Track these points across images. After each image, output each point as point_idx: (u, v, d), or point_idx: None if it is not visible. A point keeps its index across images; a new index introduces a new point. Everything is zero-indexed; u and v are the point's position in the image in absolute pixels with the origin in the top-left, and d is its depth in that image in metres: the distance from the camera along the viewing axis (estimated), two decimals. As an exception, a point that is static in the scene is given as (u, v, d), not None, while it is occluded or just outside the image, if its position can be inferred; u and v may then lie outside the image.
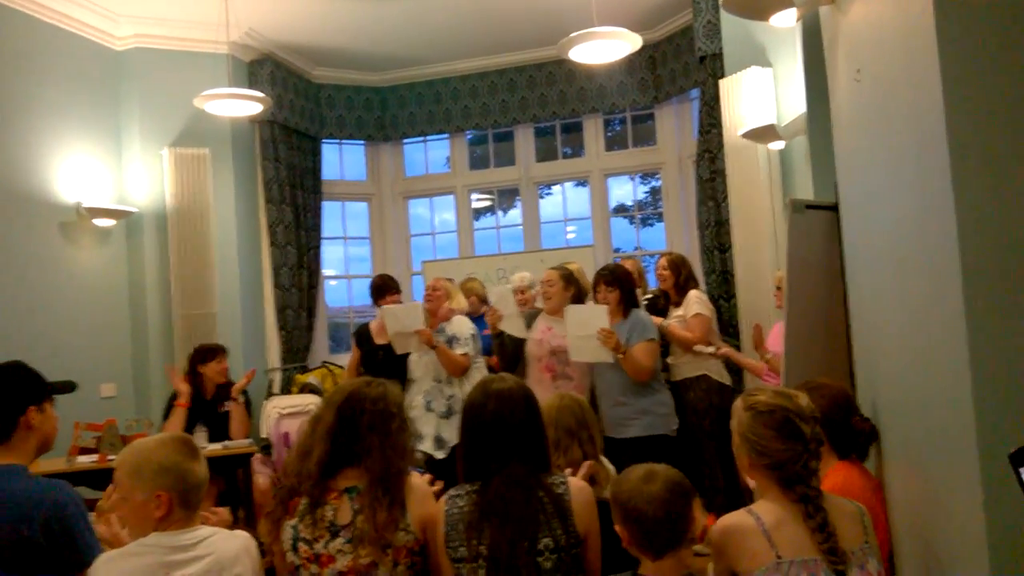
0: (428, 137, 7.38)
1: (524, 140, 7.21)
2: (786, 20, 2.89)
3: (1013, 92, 1.36)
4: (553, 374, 4.08)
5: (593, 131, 7.06)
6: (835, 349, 2.92)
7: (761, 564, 1.68)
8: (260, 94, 4.87)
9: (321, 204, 6.86)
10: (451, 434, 4.15)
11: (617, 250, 7.12)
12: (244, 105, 4.86)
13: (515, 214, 7.37)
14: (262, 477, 4.79)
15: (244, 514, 4.38)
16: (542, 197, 7.32)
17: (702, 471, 4.29)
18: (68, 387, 2.39)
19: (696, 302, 4.39)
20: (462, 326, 4.34)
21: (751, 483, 1.93)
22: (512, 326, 4.31)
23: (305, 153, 6.72)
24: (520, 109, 6.92)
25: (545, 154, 7.27)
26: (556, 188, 7.36)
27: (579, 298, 4.28)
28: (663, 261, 4.62)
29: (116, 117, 5.63)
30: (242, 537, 1.90)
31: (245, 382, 4.65)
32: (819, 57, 2.86)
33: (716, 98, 5.18)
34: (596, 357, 3.88)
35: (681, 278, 4.53)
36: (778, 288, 4.25)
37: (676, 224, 6.75)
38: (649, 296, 4.97)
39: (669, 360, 4.47)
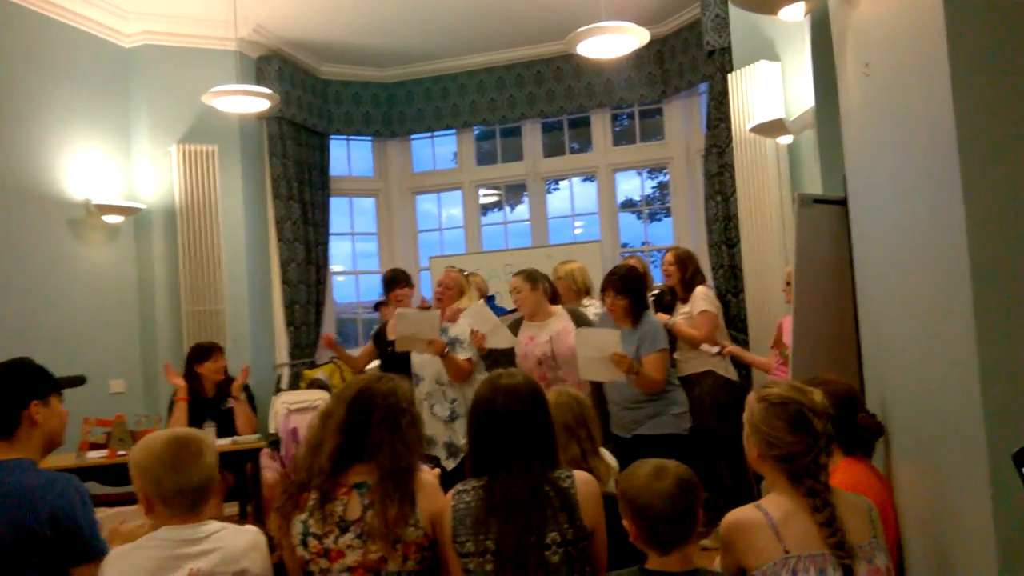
0: (435, 133, 7.39)
1: (531, 135, 7.20)
2: (794, 14, 2.87)
3: (1023, 85, 1.35)
4: (546, 382, 3.89)
5: (601, 126, 7.04)
6: (843, 344, 2.91)
7: (769, 559, 1.68)
8: (268, 90, 4.88)
9: (329, 200, 6.87)
10: (459, 440, 4.03)
11: (625, 245, 7.11)
12: (252, 101, 4.87)
13: (522, 210, 7.37)
14: (270, 472, 4.80)
15: (253, 509, 4.40)
16: (549, 192, 7.32)
17: (708, 466, 4.28)
18: (78, 381, 2.41)
19: (702, 299, 4.37)
20: (466, 328, 4.19)
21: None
22: (499, 339, 4.10)
23: (313, 149, 6.73)
24: (527, 104, 6.91)
25: (552, 149, 7.26)
26: (563, 183, 7.36)
27: (555, 296, 4.19)
28: (669, 257, 4.59)
29: (125, 114, 5.66)
30: (251, 532, 1.91)
31: (241, 380, 4.63)
32: (828, 51, 2.85)
33: (724, 92, 5.16)
34: (607, 377, 3.73)
35: (687, 274, 4.50)
36: (787, 284, 4.24)
37: (684, 219, 6.74)
38: (655, 293, 4.95)
39: (676, 356, 4.44)
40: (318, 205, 6.72)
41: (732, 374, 4.42)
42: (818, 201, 3.11)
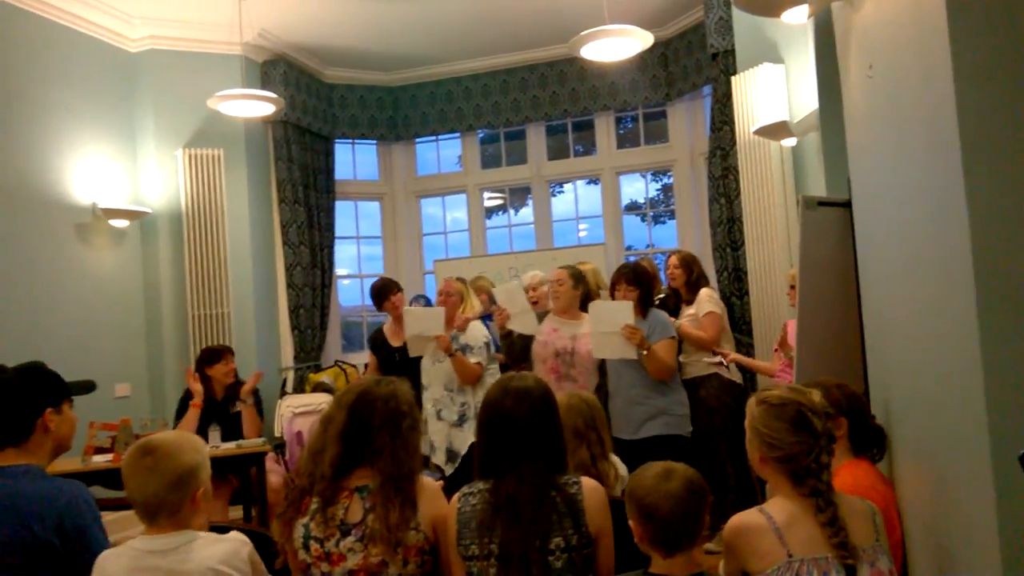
0: (440, 136, 7.40)
1: (536, 138, 7.21)
2: (798, 16, 2.87)
3: (1026, 87, 1.35)
4: (558, 375, 4.03)
5: (605, 129, 7.05)
6: (848, 346, 2.91)
7: (772, 563, 1.68)
8: (273, 95, 4.90)
9: (334, 204, 6.89)
10: (462, 444, 4.07)
11: (629, 248, 7.11)
12: (257, 106, 4.89)
13: (527, 212, 7.38)
14: (275, 476, 4.81)
15: (257, 513, 4.40)
16: (554, 195, 7.32)
17: (712, 468, 4.27)
18: (88, 387, 2.40)
19: (708, 301, 4.38)
20: (476, 334, 4.24)
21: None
22: (522, 323, 4.22)
23: (318, 153, 6.75)
24: (532, 107, 6.92)
25: (557, 152, 7.27)
26: (568, 186, 7.36)
27: (587, 299, 4.26)
28: (674, 259, 4.59)
29: (131, 118, 5.68)
30: (230, 540, 1.87)
31: (252, 384, 4.62)
32: (831, 53, 2.85)
33: (728, 95, 5.16)
34: (618, 354, 3.83)
35: (692, 276, 4.50)
36: (791, 287, 4.23)
37: (688, 222, 6.74)
38: (660, 296, 4.95)
39: (681, 358, 4.44)
40: (323, 209, 6.73)
41: (737, 376, 4.42)
42: (822, 203, 3.11)
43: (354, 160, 7.38)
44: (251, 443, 4.39)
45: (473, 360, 4.13)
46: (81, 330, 5.08)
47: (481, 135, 7.41)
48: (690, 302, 4.48)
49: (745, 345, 5.01)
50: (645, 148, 7.01)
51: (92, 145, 5.33)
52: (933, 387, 1.75)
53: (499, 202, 7.54)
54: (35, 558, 1.89)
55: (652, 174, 7.14)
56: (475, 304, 4.52)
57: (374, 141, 7.33)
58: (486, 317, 4.59)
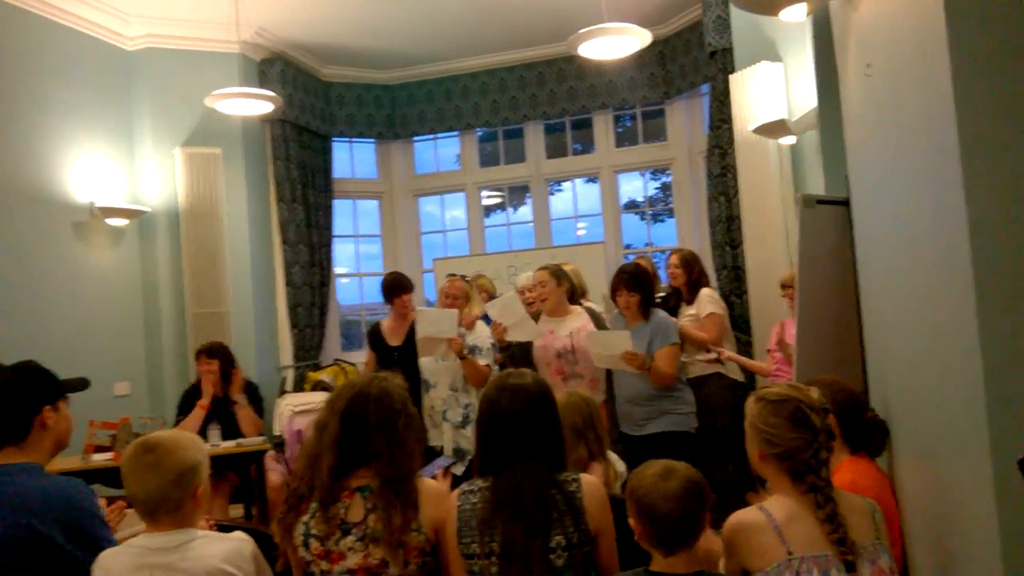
0: (438, 135, 7.39)
1: (534, 137, 7.21)
2: (796, 14, 2.87)
3: (1023, 84, 1.36)
4: (563, 375, 4.03)
5: (603, 127, 7.05)
6: (847, 344, 2.91)
7: (772, 560, 1.68)
8: (271, 93, 4.89)
9: (332, 202, 6.89)
10: (470, 444, 4.00)
11: (628, 246, 7.11)
12: (255, 104, 4.88)
13: (525, 211, 7.38)
14: (275, 474, 4.81)
15: (258, 511, 4.40)
16: (552, 194, 7.32)
17: (714, 467, 4.28)
18: (82, 385, 2.41)
19: (709, 301, 4.37)
20: (483, 335, 4.18)
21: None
22: (522, 331, 4.13)
23: (316, 151, 6.74)
24: (530, 106, 6.92)
25: (555, 151, 7.27)
26: (566, 185, 7.36)
27: (573, 294, 4.23)
28: (674, 258, 4.57)
29: (128, 117, 5.67)
30: (233, 539, 1.88)
31: (235, 384, 4.58)
32: (829, 51, 2.85)
33: (726, 93, 5.16)
34: (620, 366, 3.82)
35: (693, 275, 4.49)
36: (783, 286, 4.22)
37: (687, 220, 6.74)
38: (660, 295, 4.94)
39: (683, 358, 4.44)
40: (321, 207, 6.73)
41: (739, 375, 4.42)
42: (821, 202, 3.11)
43: (352, 159, 7.38)
44: (250, 441, 4.39)
45: (482, 362, 4.08)
46: (79, 329, 5.08)
47: (479, 133, 7.41)
48: (690, 301, 4.47)
49: (744, 343, 5.02)
50: (643, 146, 7.01)
51: (89, 144, 5.33)
52: (932, 384, 1.75)
53: (498, 200, 7.54)
54: (37, 555, 1.89)
55: (651, 172, 7.15)
56: (479, 306, 4.45)
57: (372, 140, 7.33)
58: (485, 317, 4.58)
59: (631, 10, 5.71)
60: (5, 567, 1.88)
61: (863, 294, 2.63)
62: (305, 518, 1.92)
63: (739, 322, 5.19)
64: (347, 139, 7.23)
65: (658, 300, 4.74)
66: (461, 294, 4.28)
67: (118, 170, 5.53)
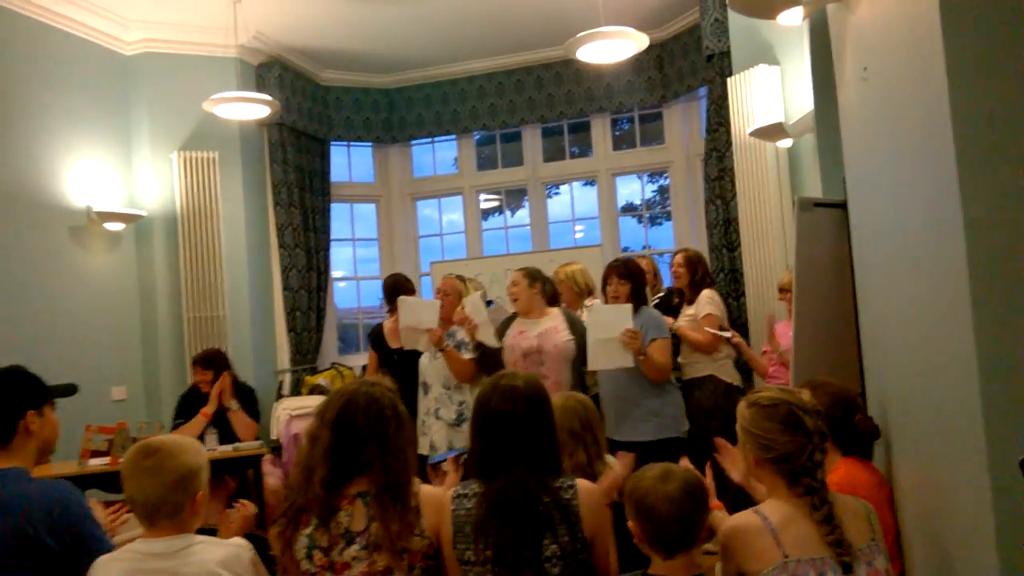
0: (436, 138, 7.40)
1: (532, 140, 7.22)
2: (793, 18, 2.88)
3: (1018, 89, 1.36)
4: None
5: (601, 130, 7.05)
6: (844, 347, 2.91)
7: (768, 563, 1.68)
8: (268, 97, 4.89)
9: (329, 206, 6.89)
10: (463, 443, 4.03)
11: (626, 249, 7.11)
12: (253, 108, 4.88)
13: (523, 214, 7.38)
14: (273, 478, 4.81)
15: (255, 516, 4.39)
16: (550, 197, 7.33)
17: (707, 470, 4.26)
18: (69, 390, 2.40)
19: (707, 302, 4.34)
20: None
21: (758, 489, 1.92)
22: (485, 335, 4.10)
23: (313, 155, 6.74)
24: (527, 109, 6.93)
25: (553, 154, 7.27)
26: (564, 188, 7.36)
27: (554, 297, 4.19)
28: (679, 258, 4.53)
29: (126, 121, 5.67)
30: (232, 545, 1.87)
31: (218, 389, 4.50)
32: (826, 55, 2.85)
33: (724, 96, 5.17)
34: (614, 363, 3.72)
35: (697, 276, 4.45)
36: (780, 289, 4.23)
37: (684, 223, 6.74)
38: (660, 295, 4.94)
39: (679, 360, 4.43)
40: (319, 211, 6.73)
41: (735, 379, 4.39)
42: (818, 204, 3.12)
43: (350, 162, 7.38)
44: (248, 446, 4.38)
45: (467, 357, 4.07)
46: (76, 333, 5.06)
47: (477, 137, 7.41)
48: (692, 302, 4.45)
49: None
50: (641, 150, 7.02)
51: (87, 148, 5.32)
52: (929, 387, 1.76)
53: (495, 204, 7.54)
54: (28, 559, 1.89)
55: (648, 175, 7.15)
56: None
57: (370, 143, 7.33)
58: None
59: (628, 14, 5.72)
60: None
61: (860, 296, 2.63)
62: (308, 530, 1.90)
63: (736, 325, 5.18)
64: (345, 142, 7.23)
65: (656, 300, 4.74)
66: (453, 291, 4.33)
67: (115, 174, 5.52)
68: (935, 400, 1.71)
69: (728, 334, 4.25)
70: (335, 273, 7.13)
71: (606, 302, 3.95)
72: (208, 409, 4.44)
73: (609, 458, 2.73)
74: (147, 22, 5.56)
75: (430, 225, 7.61)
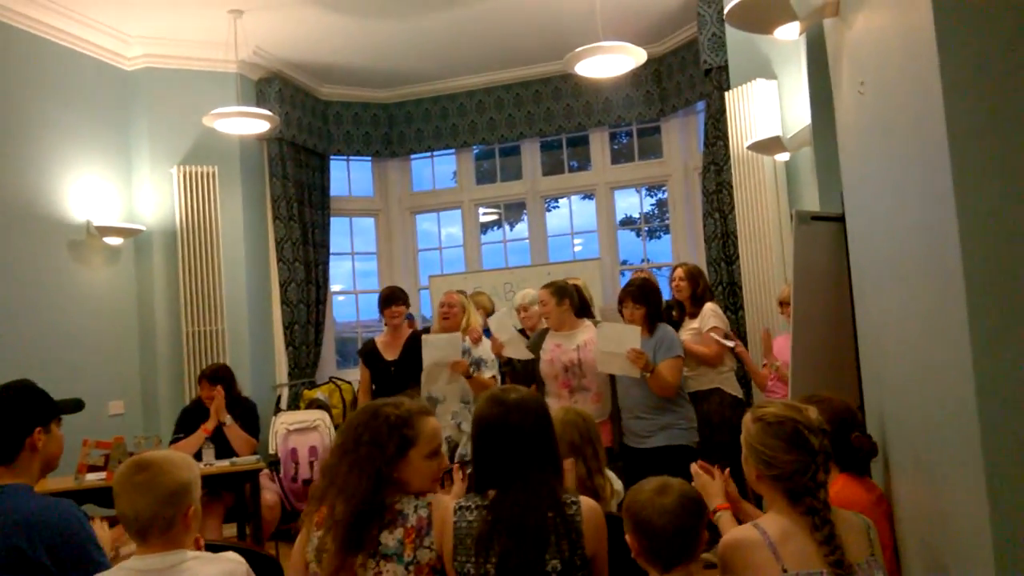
0: (435, 152, 7.42)
1: (530, 154, 7.24)
2: (790, 33, 2.90)
3: (1015, 102, 1.36)
4: (570, 388, 4.06)
5: (599, 144, 7.08)
6: (842, 360, 2.91)
7: (768, 578, 1.67)
8: (268, 112, 4.91)
9: (329, 220, 6.90)
10: None
11: (624, 262, 7.12)
12: (252, 123, 4.90)
13: (522, 228, 7.39)
14: (270, 493, 4.78)
15: (252, 530, 4.37)
16: (549, 211, 7.34)
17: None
18: (76, 406, 2.38)
19: (712, 315, 4.36)
20: (489, 348, 4.32)
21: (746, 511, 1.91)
22: (514, 350, 4.25)
23: (313, 170, 6.76)
24: (526, 123, 6.95)
25: (551, 168, 7.29)
26: (563, 201, 7.38)
27: (582, 309, 4.26)
28: (680, 272, 4.56)
29: (126, 136, 5.69)
30: (225, 561, 1.86)
31: (216, 405, 4.52)
32: (823, 69, 2.87)
33: (722, 110, 5.19)
34: (622, 371, 3.86)
35: (698, 289, 4.48)
36: (780, 303, 4.25)
37: (683, 236, 6.75)
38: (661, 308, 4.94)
39: (685, 372, 4.44)
40: (318, 225, 6.74)
41: (739, 392, 4.42)
42: (816, 218, 3.13)
43: (349, 177, 7.40)
44: (245, 460, 4.36)
45: (488, 375, 4.22)
46: (75, 347, 5.06)
47: (476, 151, 7.44)
48: (694, 315, 4.46)
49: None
50: (639, 163, 7.04)
51: (87, 163, 5.33)
52: (927, 400, 1.75)
53: (494, 218, 7.56)
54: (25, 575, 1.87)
55: (646, 189, 7.17)
56: (476, 317, 4.54)
57: (369, 157, 7.35)
58: (486, 332, 4.60)
59: (627, 29, 5.75)
60: None
61: (858, 309, 2.63)
62: (320, 533, 1.91)
63: (736, 338, 5.18)
64: (344, 157, 7.25)
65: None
66: (458, 304, 4.45)
67: (115, 188, 5.54)
68: (932, 412, 1.71)
69: (732, 343, 4.27)
70: (334, 287, 7.14)
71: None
72: (209, 425, 4.45)
73: (609, 473, 2.72)
74: (147, 38, 5.60)
75: (429, 239, 7.62)
